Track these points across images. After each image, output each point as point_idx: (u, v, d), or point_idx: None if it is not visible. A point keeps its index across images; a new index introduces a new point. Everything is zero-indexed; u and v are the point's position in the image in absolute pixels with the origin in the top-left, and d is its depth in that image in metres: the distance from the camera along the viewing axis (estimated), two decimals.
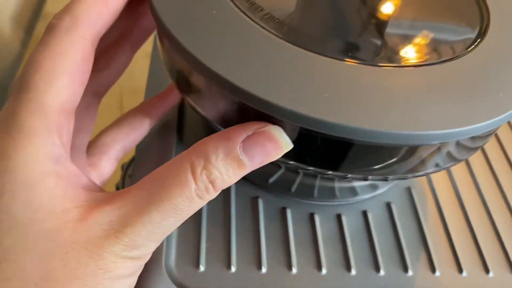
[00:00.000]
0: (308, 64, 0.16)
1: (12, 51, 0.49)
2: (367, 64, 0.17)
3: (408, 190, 0.25)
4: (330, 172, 0.19)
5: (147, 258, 0.17)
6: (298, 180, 0.24)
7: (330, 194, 0.24)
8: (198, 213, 0.23)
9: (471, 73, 0.17)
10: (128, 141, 0.23)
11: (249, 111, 0.17)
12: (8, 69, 0.48)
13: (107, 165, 0.23)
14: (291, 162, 0.18)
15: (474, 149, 0.20)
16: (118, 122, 0.24)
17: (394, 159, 0.18)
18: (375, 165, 0.18)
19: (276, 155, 0.16)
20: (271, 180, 0.24)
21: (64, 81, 0.17)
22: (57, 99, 0.16)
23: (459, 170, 0.27)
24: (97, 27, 0.18)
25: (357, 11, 0.20)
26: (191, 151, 0.16)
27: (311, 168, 0.18)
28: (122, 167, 0.29)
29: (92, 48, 0.18)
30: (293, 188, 0.24)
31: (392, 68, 0.17)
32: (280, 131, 0.16)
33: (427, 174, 0.21)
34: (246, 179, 0.24)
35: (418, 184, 0.26)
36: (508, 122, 0.31)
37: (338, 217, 0.24)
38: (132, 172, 0.27)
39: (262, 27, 0.17)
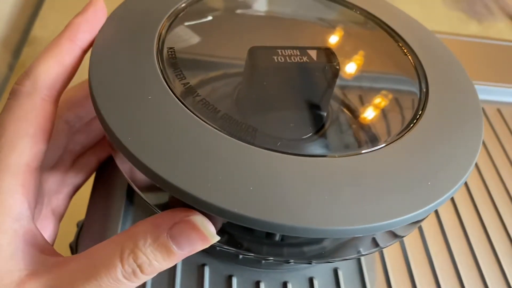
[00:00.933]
0: (235, 153, 0.17)
1: None
2: (295, 155, 0.17)
3: None
4: (271, 258, 0.20)
5: None
6: None
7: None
8: None
9: (397, 162, 0.18)
10: (78, 179, 0.25)
11: (173, 198, 0.17)
12: None
13: (63, 204, 0.25)
14: (226, 247, 0.18)
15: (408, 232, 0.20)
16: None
17: (317, 246, 0.18)
18: (304, 252, 0.18)
19: (203, 245, 0.17)
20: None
21: (27, 142, 0.18)
22: (21, 159, 0.18)
23: (410, 236, 0.27)
24: (56, 88, 0.20)
25: (289, 100, 0.21)
26: (124, 234, 0.17)
27: (250, 254, 0.19)
28: (77, 224, 0.29)
29: (53, 107, 0.20)
30: (241, 256, 0.24)
31: (316, 158, 0.17)
32: (203, 222, 0.16)
33: (367, 254, 0.21)
34: None
35: None
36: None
37: (284, 285, 0.24)
38: None
39: (195, 114, 0.18)
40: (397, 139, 0.19)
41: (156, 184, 0.16)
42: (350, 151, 0.18)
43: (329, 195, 0.16)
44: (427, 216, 0.21)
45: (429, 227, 0.28)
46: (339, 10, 0.26)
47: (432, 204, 0.17)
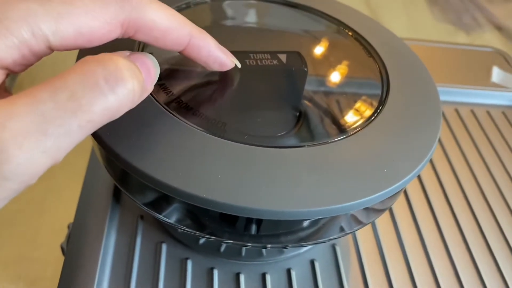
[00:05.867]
0: (205, 145, 0.18)
1: None
2: (262, 146, 0.19)
3: (333, 247, 0.27)
4: (249, 244, 0.21)
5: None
6: None
7: (257, 253, 0.25)
8: (128, 275, 0.24)
9: (358, 151, 0.19)
10: None
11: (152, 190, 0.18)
12: None
13: None
14: (207, 236, 0.20)
15: (373, 216, 0.22)
16: None
17: (289, 230, 0.19)
18: (278, 236, 0.20)
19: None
20: (202, 241, 0.25)
21: None
22: None
23: (384, 226, 0.28)
24: None
25: (260, 100, 0.22)
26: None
27: (228, 241, 0.20)
28: (68, 226, 0.30)
29: None
30: (222, 248, 0.25)
31: (282, 149, 0.19)
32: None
33: (340, 237, 0.22)
34: (178, 240, 0.26)
35: (343, 241, 0.27)
36: (432, 165, 0.33)
37: (263, 276, 0.25)
38: None
39: (170, 112, 0.19)
40: (358, 131, 0.20)
41: (133, 174, 0.17)
42: (315, 142, 0.20)
43: (291, 180, 0.18)
44: (389, 203, 0.22)
45: (403, 217, 0.29)
46: (312, 18, 0.28)
47: (383, 192, 0.18)
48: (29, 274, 0.38)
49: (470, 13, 0.78)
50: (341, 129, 0.21)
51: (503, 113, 0.39)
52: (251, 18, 0.27)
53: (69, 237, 0.30)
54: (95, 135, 0.18)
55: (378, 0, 0.75)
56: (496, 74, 0.42)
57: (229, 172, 0.17)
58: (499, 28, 0.75)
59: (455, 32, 0.73)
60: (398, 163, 0.19)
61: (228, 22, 0.27)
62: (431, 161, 0.34)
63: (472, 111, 0.39)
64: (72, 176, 0.36)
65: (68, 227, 0.30)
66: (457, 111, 0.39)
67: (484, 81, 0.41)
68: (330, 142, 0.20)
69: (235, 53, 0.22)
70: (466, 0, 0.81)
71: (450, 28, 0.74)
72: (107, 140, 0.18)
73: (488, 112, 0.39)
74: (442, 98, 0.39)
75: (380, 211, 0.22)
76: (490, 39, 0.72)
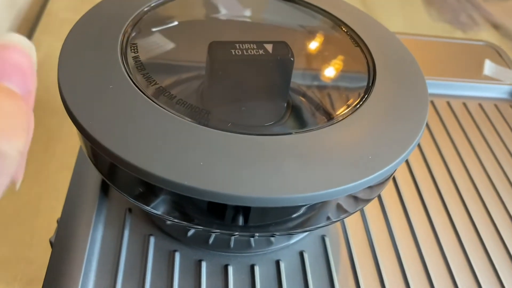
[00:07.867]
0: (187, 133, 0.18)
1: None
2: (245, 134, 0.19)
3: (322, 238, 0.26)
4: (236, 233, 0.21)
5: None
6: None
7: (246, 245, 0.25)
8: (116, 267, 0.24)
9: (344, 138, 0.19)
10: None
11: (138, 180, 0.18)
12: None
13: None
14: (196, 226, 0.20)
15: (358, 205, 0.21)
16: None
17: (275, 217, 0.19)
18: (265, 223, 0.20)
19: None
20: (190, 233, 0.25)
21: None
22: None
23: (374, 216, 0.28)
24: None
25: (246, 90, 0.22)
26: None
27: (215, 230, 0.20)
28: (57, 221, 0.30)
29: None
30: (210, 240, 0.25)
31: (267, 136, 0.19)
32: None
33: (326, 225, 0.22)
34: (166, 233, 0.26)
35: (333, 231, 0.27)
36: (424, 157, 0.33)
37: (252, 267, 0.25)
38: None
39: (152, 100, 0.19)
40: (343, 119, 0.20)
41: (116, 163, 0.17)
42: (300, 130, 0.20)
43: (276, 167, 0.17)
44: (377, 191, 0.22)
45: (393, 207, 0.29)
46: (300, 10, 0.28)
47: (370, 177, 0.18)
48: (25, 275, 0.38)
49: (466, 12, 0.78)
50: (327, 117, 0.21)
51: (495, 105, 0.39)
52: (236, 10, 0.27)
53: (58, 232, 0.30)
54: (76, 121, 0.18)
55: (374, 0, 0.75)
56: (488, 67, 0.42)
57: (212, 160, 0.17)
58: (496, 26, 0.75)
59: (452, 31, 0.73)
60: (384, 149, 0.19)
61: (215, 15, 0.27)
62: (422, 153, 0.33)
63: (464, 104, 0.39)
64: (69, 177, 0.36)
65: (57, 221, 0.30)
66: (449, 104, 0.38)
67: (477, 74, 0.41)
68: (315, 129, 0.19)
69: (220, 43, 0.22)
70: None
71: (446, 27, 0.74)
72: (89, 128, 0.18)
73: (480, 105, 0.39)
74: (435, 91, 0.39)
75: (368, 200, 0.22)
76: (487, 37, 0.72)
